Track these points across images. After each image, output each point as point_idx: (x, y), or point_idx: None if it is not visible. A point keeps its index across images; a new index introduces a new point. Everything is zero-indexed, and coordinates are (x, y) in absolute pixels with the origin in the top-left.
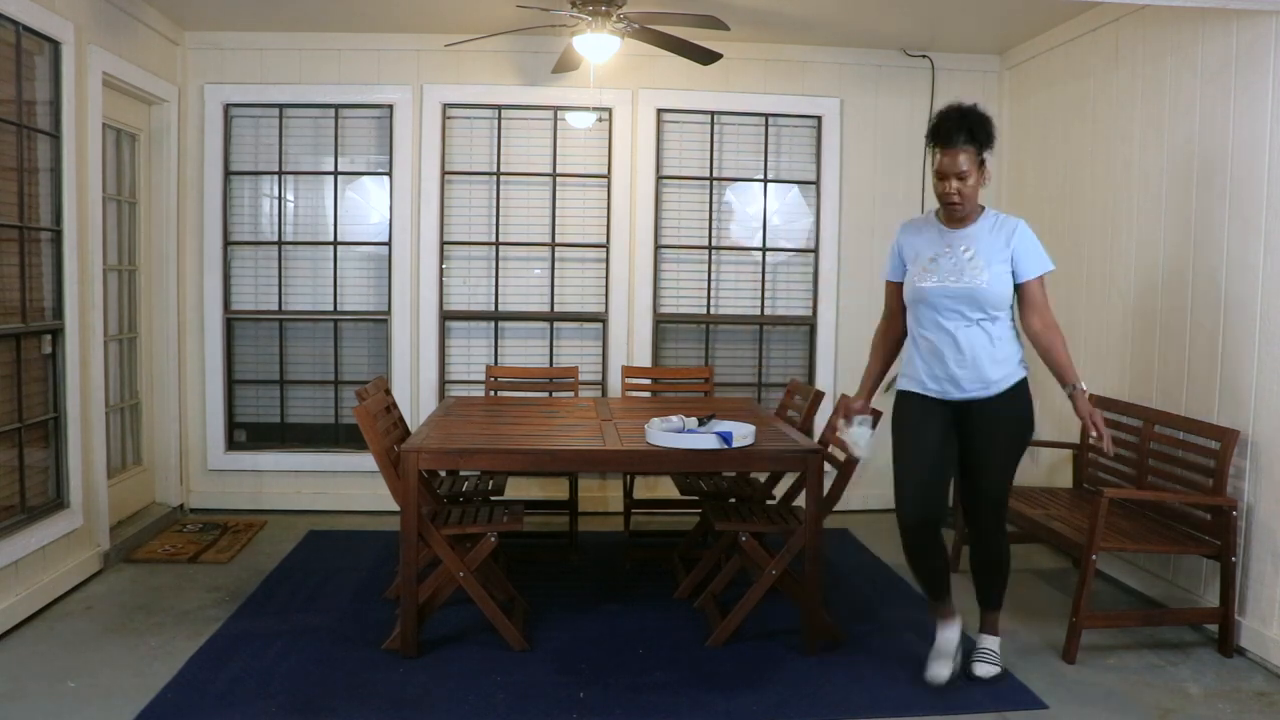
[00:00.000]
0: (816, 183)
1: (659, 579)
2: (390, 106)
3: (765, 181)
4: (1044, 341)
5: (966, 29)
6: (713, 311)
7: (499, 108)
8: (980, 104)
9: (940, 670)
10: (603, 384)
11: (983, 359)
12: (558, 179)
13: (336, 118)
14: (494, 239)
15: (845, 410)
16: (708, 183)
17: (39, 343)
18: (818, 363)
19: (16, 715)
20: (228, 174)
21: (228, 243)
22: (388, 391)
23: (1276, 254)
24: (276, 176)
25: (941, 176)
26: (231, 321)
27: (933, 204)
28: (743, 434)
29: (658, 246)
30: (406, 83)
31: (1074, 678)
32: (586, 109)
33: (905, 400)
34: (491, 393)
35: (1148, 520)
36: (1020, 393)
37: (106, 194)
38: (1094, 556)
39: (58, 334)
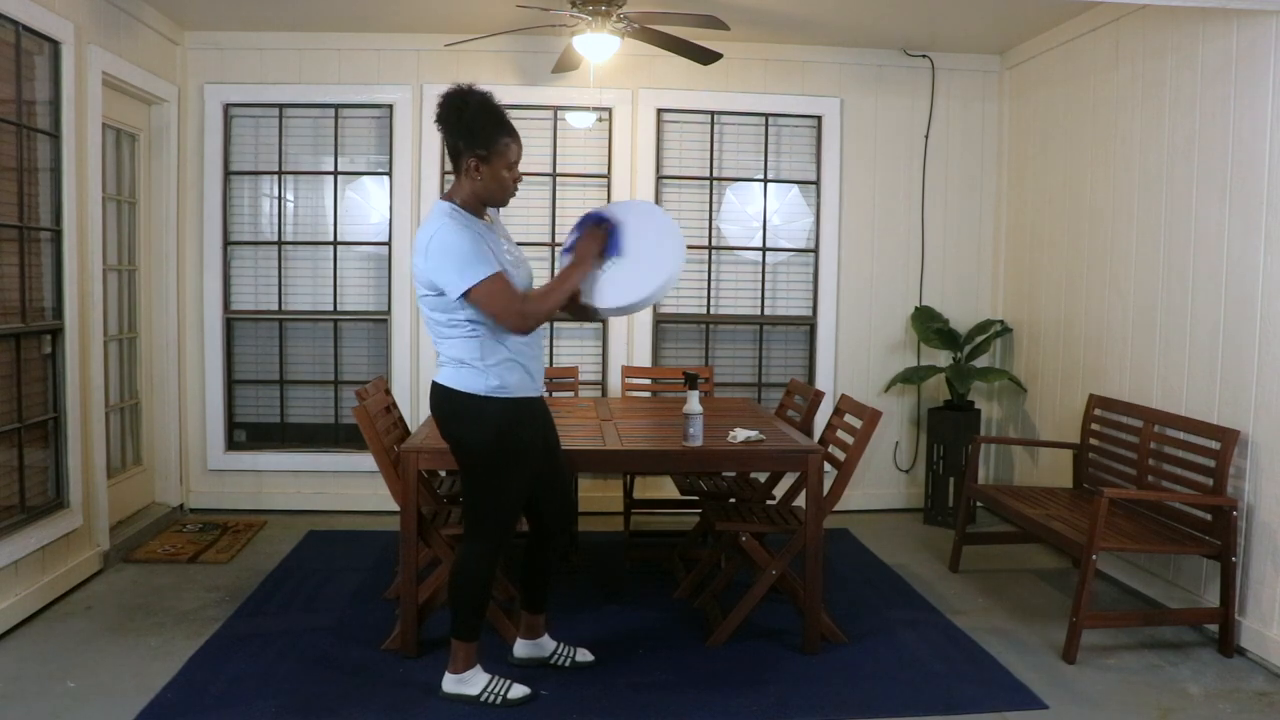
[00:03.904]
0: (816, 183)
1: (659, 579)
2: (390, 106)
3: (765, 181)
4: None
5: (966, 29)
6: (713, 311)
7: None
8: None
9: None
10: (603, 384)
11: None
12: (558, 179)
13: (336, 118)
14: None
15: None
16: (708, 183)
17: (39, 343)
18: (818, 363)
19: (16, 715)
20: (227, 174)
21: (227, 243)
22: (388, 391)
23: (1277, 254)
24: (276, 176)
25: (514, 166)
26: (231, 321)
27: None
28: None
29: None
30: (406, 82)
31: (1074, 678)
32: (586, 109)
33: (534, 404)
34: None
35: (1148, 520)
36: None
37: (106, 194)
38: (1094, 556)
39: (57, 334)
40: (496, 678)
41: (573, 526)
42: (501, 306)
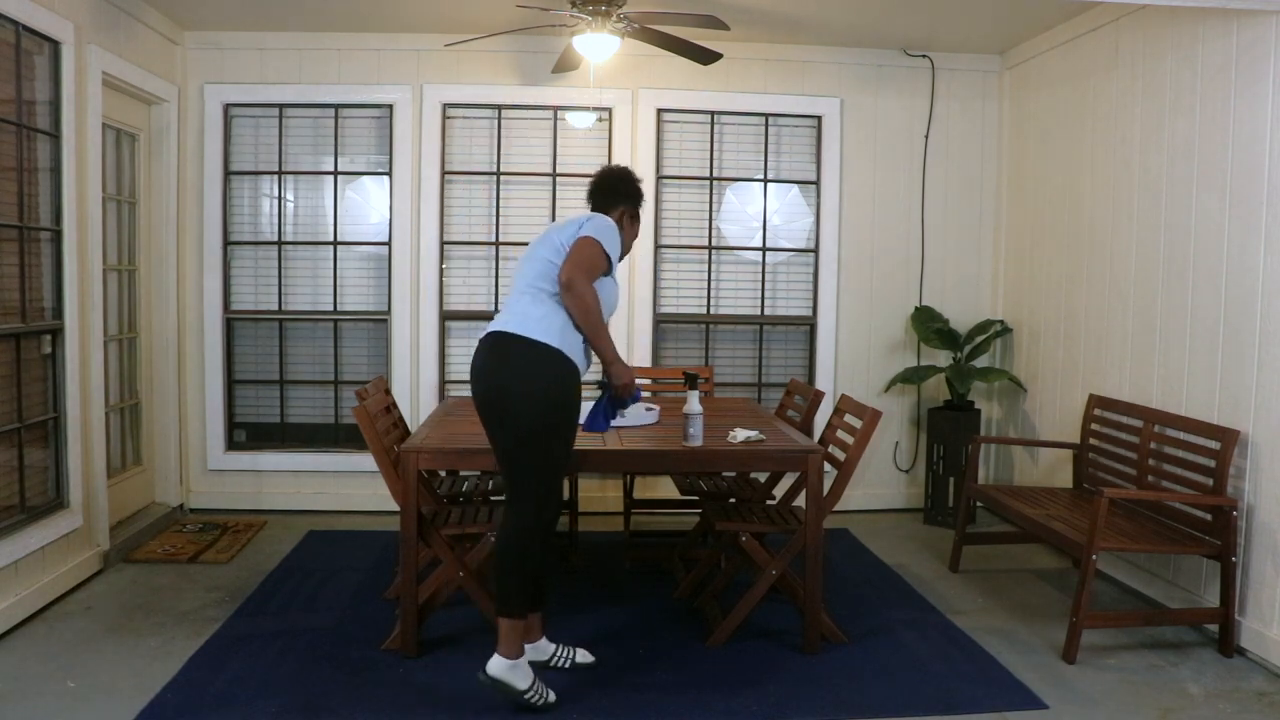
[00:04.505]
0: (816, 183)
1: (659, 579)
2: (390, 106)
3: (765, 181)
4: None
5: (966, 29)
6: (713, 311)
7: (499, 107)
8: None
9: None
10: None
11: None
12: (558, 179)
13: (336, 118)
14: (494, 239)
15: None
16: (708, 183)
17: (39, 343)
18: (818, 363)
19: (16, 715)
20: (227, 174)
21: (227, 243)
22: (388, 391)
23: (1277, 254)
24: (276, 176)
25: (636, 235)
26: (231, 321)
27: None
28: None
29: (658, 246)
30: (406, 82)
31: (1074, 678)
32: (586, 109)
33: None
34: None
35: (1148, 520)
36: None
37: (106, 194)
38: (1094, 556)
39: (57, 334)
40: (539, 680)
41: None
42: (580, 263)
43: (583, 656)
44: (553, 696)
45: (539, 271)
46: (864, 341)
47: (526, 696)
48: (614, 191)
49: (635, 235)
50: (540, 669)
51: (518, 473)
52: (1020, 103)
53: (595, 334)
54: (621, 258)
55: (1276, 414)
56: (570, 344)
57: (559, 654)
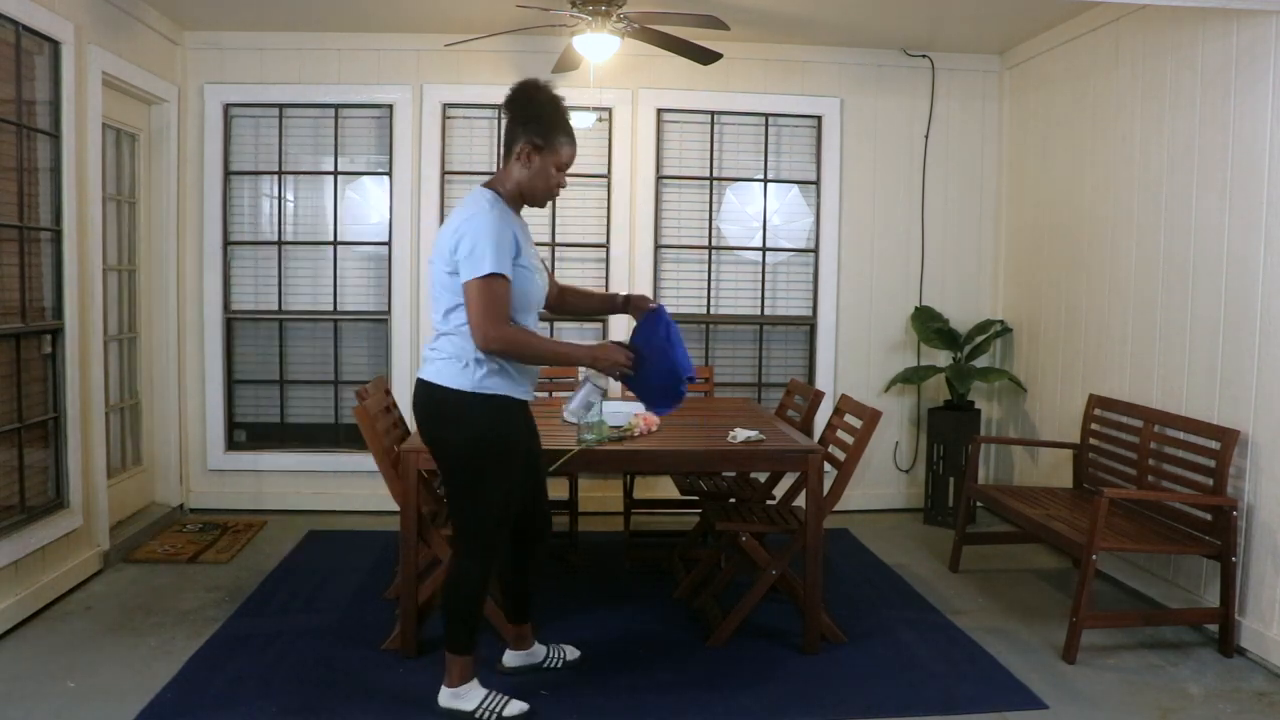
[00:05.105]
0: (816, 183)
1: (659, 579)
2: (390, 106)
3: (765, 181)
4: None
5: (966, 29)
6: (713, 311)
7: (499, 107)
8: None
9: None
10: None
11: None
12: None
13: (336, 118)
14: None
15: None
16: (708, 183)
17: (39, 343)
18: (818, 363)
19: (16, 715)
20: (227, 174)
21: (227, 242)
22: (388, 391)
23: (1277, 253)
24: (276, 176)
25: (563, 168)
26: (231, 321)
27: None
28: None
29: (658, 246)
30: (406, 82)
31: (1074, 678)
32: (586, 109)
33: (520, 408)
34: None
35: (1148, 520)
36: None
37: (106, 194)
38: (1094, 556)
39: (57, 334)
40: (493, 693)
41: (549, 535)
42: (483, 312)
43: (572, 654)
44: (513, 707)
45: (437, 297)
46: (864, 341)
47: (478, 716)
48: (514, 119)
49: (554, 165)
50: (534, 671)
51: (459, 521)
52: (1020, 103)
53: (552, 359)
54: (548, 199)
55: (1276, 414)
56: (491, 379)
57: (551, 656)
